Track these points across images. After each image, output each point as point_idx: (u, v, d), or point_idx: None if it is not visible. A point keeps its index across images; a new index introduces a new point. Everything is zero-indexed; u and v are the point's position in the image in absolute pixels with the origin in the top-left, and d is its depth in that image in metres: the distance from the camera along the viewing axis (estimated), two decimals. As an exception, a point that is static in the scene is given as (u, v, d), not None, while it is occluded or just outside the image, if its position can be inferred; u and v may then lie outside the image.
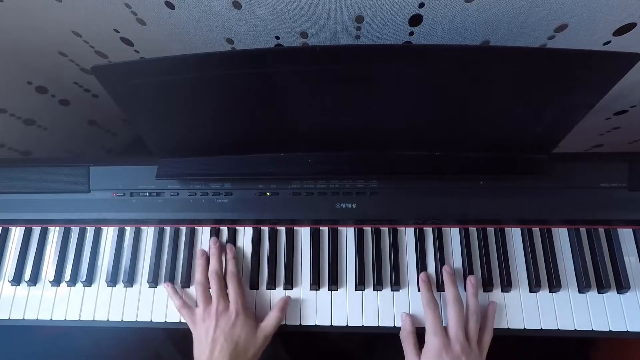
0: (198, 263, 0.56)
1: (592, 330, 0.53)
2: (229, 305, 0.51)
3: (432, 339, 0.49)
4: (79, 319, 0.56)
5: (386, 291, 0.55)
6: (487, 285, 0.54)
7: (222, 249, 0.56)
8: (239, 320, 0.50)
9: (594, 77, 0.43)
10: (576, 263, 0.55)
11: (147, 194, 0.57)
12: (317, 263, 0.56)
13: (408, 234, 0.58)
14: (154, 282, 0.57)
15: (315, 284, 0.55)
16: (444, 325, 0.50)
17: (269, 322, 0.51)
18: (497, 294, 0.55)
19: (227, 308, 0.51)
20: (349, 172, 0.55)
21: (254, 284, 0.56)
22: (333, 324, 0.54)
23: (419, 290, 0.55)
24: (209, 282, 0.54)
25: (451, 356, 0.47)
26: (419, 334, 0.51)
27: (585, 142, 0.85)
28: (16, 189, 0.59)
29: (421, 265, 0.55)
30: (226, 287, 0.53)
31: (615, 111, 0.71)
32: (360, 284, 0.55)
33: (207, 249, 0.57)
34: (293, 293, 0.56)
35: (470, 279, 0.53)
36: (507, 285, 0.54)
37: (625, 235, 0.57)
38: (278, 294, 0.56)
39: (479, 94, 0.46)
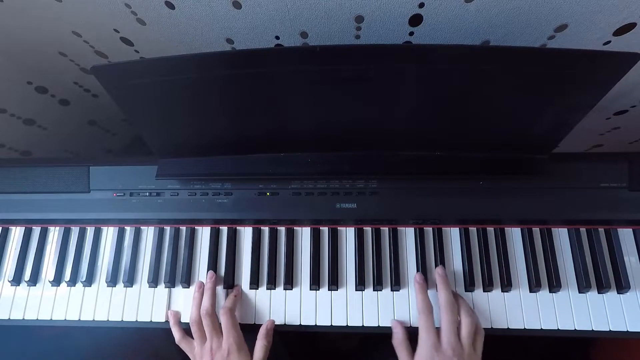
0: (194, 296, 0.55)
1: (592, 330, 0.53)
2: (222, 342, 0.51)
3: (424, 343, 0.49)
4: (79, 319, 0.56)
5: (386, 291, 0.55)
6: (487, 285, 0.54)
7: (216, 284, 0.55)
8: (232, 357, 0.50)
9: (594, 77, 0.43)
10: (576, 263, 0.55)
11: (147, 194, 0.57)
12: (317, 263, 0.56)
13: (408, 234, 0.58)
14: (154, 282, 0.57)
15: (315, 284, 0.55)
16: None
17: (259, 354, 0.51)
18: (497, 294, 0.55)
19: (220, 346, 0.51)
20: (349, 172, 0.55)
21: (254, 284, 0.56)
22: (333, 324, 0.54)
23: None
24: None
25: (442, 358, 0.47)
26: (414, 335, 0.51)
27: (585, 142, 0.85)
28: (16, 189, 0.59)
29: (421, 266, 0.55)
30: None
31: (615, 111, 0.71)
32: (360, 284, 0.55)
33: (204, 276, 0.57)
34: (293, 293, 0.56)
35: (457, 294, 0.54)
36: (507, 285, 0.54)
37: (625, 235, 0.57)
38: (278, 293, 0.56)
39: (478, 94, 0.46)
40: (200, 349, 0.52)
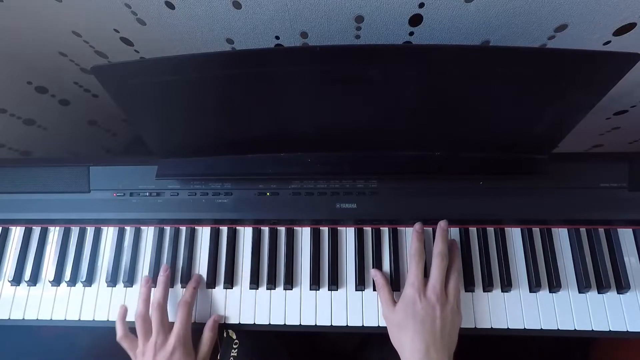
0: (141, 291, 0.53)
1: (592, 330, 0.53)
2: (169, 338, 0.49)
3: (409, 288, 0.50)
4: (79, 319, 0.56)
5: (386, 291, 0.55)
6: (487, 285, 0.54)
7: (169, 278, 0.55)
8: (175, 356, 0.48)
9: (594, 77, 0.43)
10: (576, 263, 0.55)
11: (147, 194, 0.57)
12: (317, 263, 0.56)
13: (408, 234, 0.58)
14: (154, 282, 0.56)
15: (315, 284, 0.55)
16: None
17: (205, 348, 0.50)
18: (497, 294, 0.55)
19: (165, 342, 0.49)
20: (349, 172, 0.55)
21: (254, 284, 0.56)
22: (333, 324, 0.54)
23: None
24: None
25: (425, 304, 0.48)
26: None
27: (585, 142, 0.85)
28: (16, 189, 0.59)
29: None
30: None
31: (615, 111, 0.71)
32: (360, 284, 0.55)
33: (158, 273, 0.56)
34: (293, 293, 0.56)
35: (455, 243, 0.55)
36: (507, 285, 0.54)
37: (625, 235, 0.57)
38: (278, 294, 0.56)
39: (478, 94, 0.46)
40: (144, 345, 0.49)
